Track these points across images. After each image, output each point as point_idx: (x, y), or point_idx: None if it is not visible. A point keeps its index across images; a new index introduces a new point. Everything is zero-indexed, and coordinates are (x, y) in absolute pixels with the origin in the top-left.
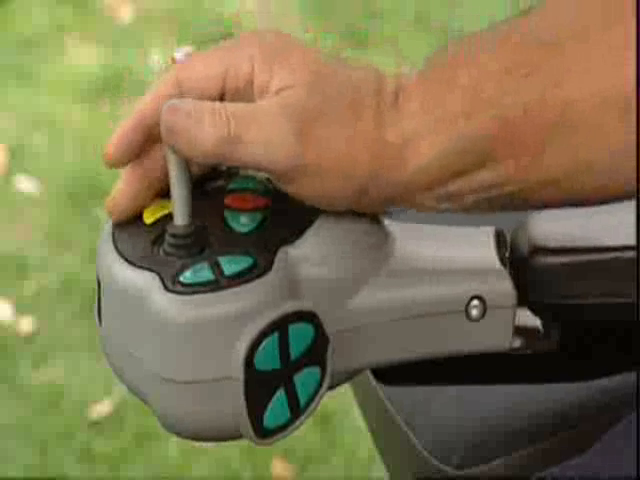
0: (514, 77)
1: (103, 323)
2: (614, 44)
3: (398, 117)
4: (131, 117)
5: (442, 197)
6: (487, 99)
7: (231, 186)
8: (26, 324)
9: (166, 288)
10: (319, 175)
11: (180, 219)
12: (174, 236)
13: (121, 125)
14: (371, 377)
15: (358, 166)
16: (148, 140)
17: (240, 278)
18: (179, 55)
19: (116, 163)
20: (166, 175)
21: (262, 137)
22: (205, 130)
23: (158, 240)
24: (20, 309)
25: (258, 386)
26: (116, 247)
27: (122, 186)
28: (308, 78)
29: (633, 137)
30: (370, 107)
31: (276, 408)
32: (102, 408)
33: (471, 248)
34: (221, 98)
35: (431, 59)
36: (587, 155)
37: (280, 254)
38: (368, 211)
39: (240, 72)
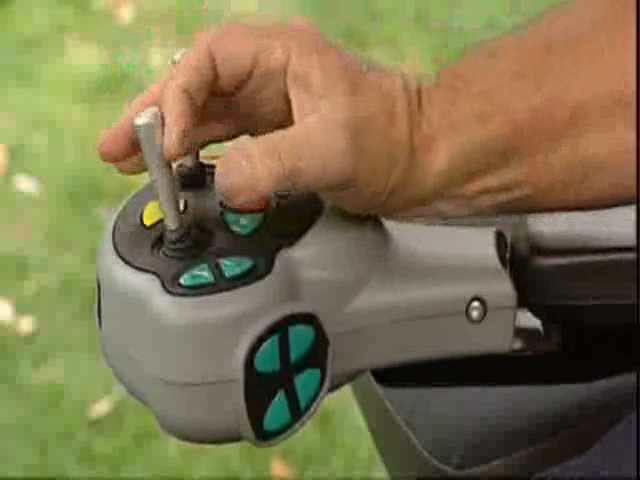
0: (524, 81)
1: (103, 325)
2: (620, 47)
3: (422, 122)
4: (169, 87)
5: (457, 200)
6: (499, 103)
7: None
8: (26, 324)
9: (166, 290)
10: (366, 181)
11: (171, 223)
12: (173, 238)
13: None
14: (371, 377)
15: (394, 171)
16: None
17: (240, 280)
18: (179, 57)
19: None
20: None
21: (317, 158)
22: (259, 175)
23: (158, 242)
24: (20, 309)
25: (258, 388)
26: (116, 249)
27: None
28: (346, 88)
29: None
30: (401, 113)
31: (276, 410)
32: (102, 408)
33: (471, 249)
34: (250, 74)
35: (448, 65)
36: (596, 156)
37: (280, 256)
38: (387, 216)
39: (272, 57)
